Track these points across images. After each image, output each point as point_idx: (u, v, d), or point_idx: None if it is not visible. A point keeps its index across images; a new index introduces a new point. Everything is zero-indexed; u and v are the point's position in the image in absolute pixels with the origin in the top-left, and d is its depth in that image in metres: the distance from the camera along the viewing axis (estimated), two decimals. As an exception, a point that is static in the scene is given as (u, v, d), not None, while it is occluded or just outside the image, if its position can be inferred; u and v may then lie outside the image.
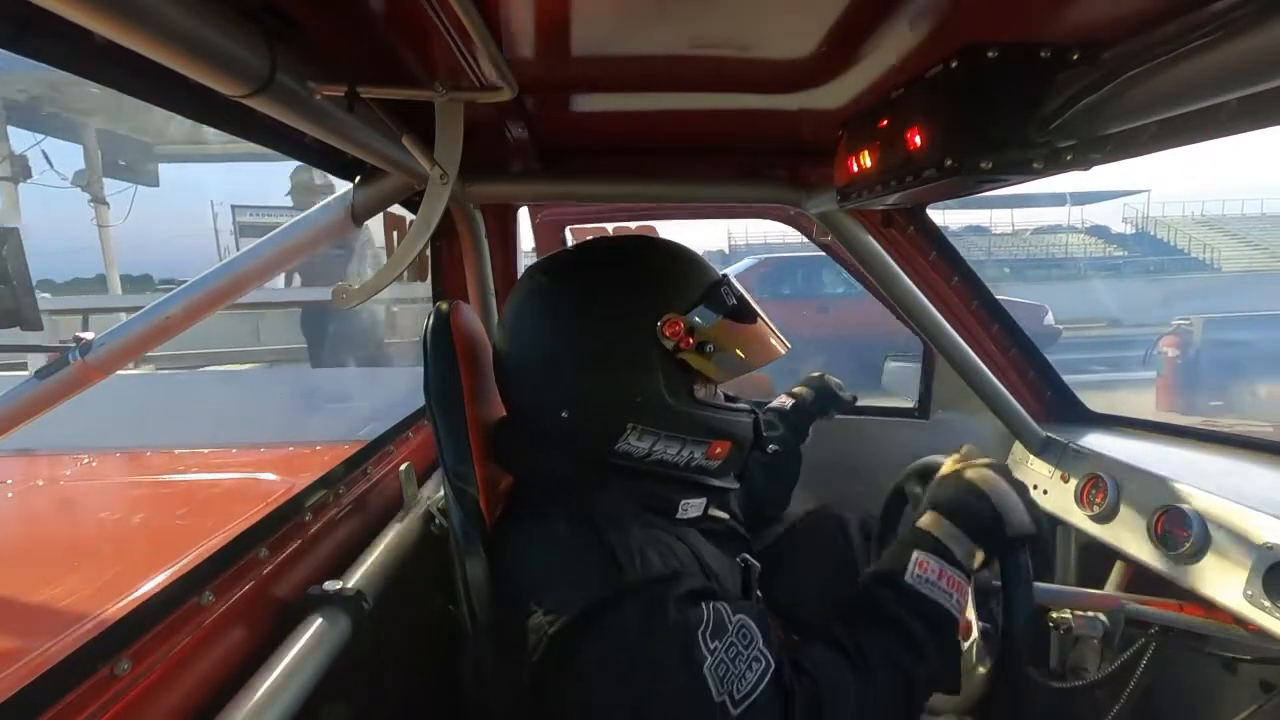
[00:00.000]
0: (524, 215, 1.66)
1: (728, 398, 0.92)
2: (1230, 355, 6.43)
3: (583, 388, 0.80)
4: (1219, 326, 6.65)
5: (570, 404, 0.81)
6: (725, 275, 0.87)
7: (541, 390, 0.83)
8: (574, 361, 0.80)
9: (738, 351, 0.83)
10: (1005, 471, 0.87)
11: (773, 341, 0.88)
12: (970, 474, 0.85)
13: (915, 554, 0.78)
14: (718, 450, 0.85)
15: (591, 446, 0.82)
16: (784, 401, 1.42)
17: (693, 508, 0.87)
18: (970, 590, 0.79)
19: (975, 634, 1.00)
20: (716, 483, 0.88)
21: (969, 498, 0.82)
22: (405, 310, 4.65)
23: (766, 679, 0.66)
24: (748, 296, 0.87)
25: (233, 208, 8.60)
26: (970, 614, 1.04)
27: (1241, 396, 6.27)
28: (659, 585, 0.69)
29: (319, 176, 4.20)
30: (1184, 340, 6.57)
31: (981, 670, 0.99)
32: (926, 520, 0.83)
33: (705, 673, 0.65)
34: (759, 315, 0.88)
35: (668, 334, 0.78)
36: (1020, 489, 0.85)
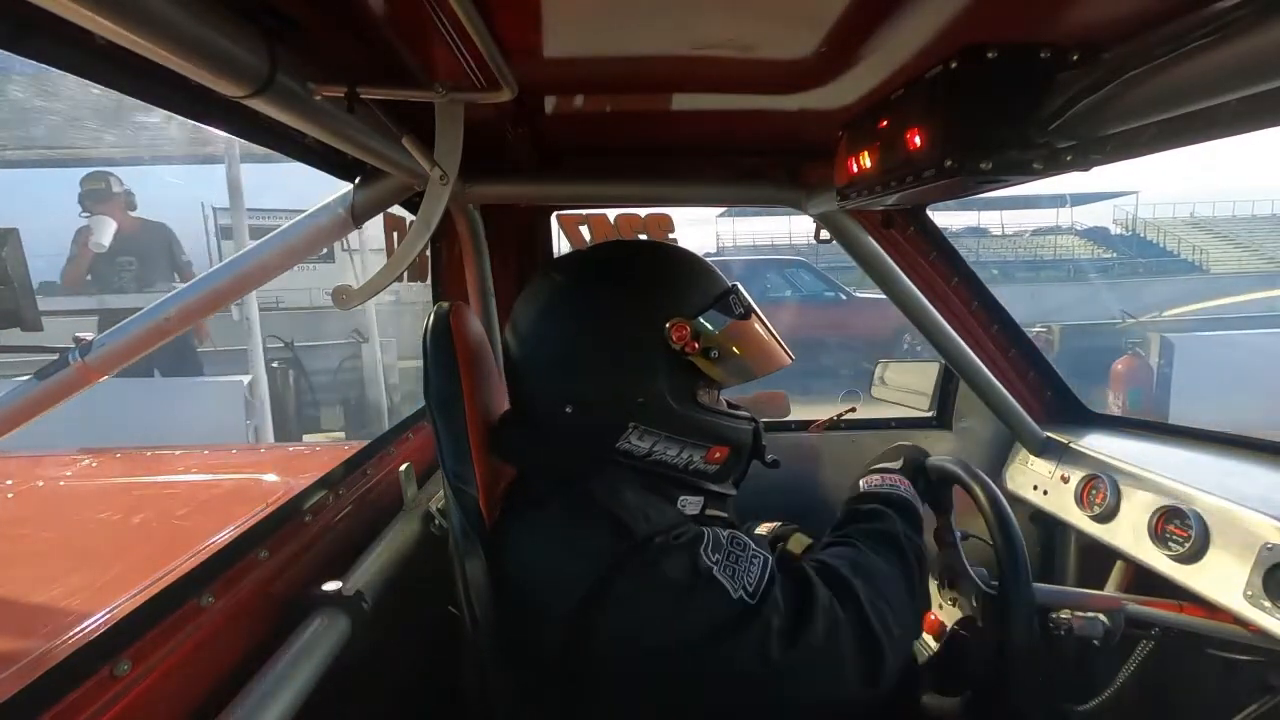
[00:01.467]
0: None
1: (731, 405, 0.92)
2: (1086, 362, 6.68)
3: (587, 385, 0.81)
4: (1076, 335, 6.95)
5: (574, 400, 0.81)
6: (735, 284, 0.88)
7: (546, 385, 0.84)
8: (580, 359, 0.81)
9: (742, 358, 0.84)
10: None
11: (778, 351, 0.89)
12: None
13: (861, 480, 1.00)
14: (717, 455, 0.85)
15: (592, 444, 0.82)
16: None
17: (690, 504, 0.87)
18: (910, 484, 0.99)
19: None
20: (714, 487, 0.88)
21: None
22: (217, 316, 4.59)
23: (770, 567, 0.74)
24: (755, 307, 0.88)
25: (213, 210, 8.62)
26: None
27: (1092, 400, 6.47)
28: (661, 535, 0.73)
29: (116, 184, 4.19)
30: (1042, 346, 6.80)
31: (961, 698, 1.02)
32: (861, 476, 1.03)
33: (717, 576, 0.70)
34: (765, 325, 0.89)
35: (674, 337, 0.79)
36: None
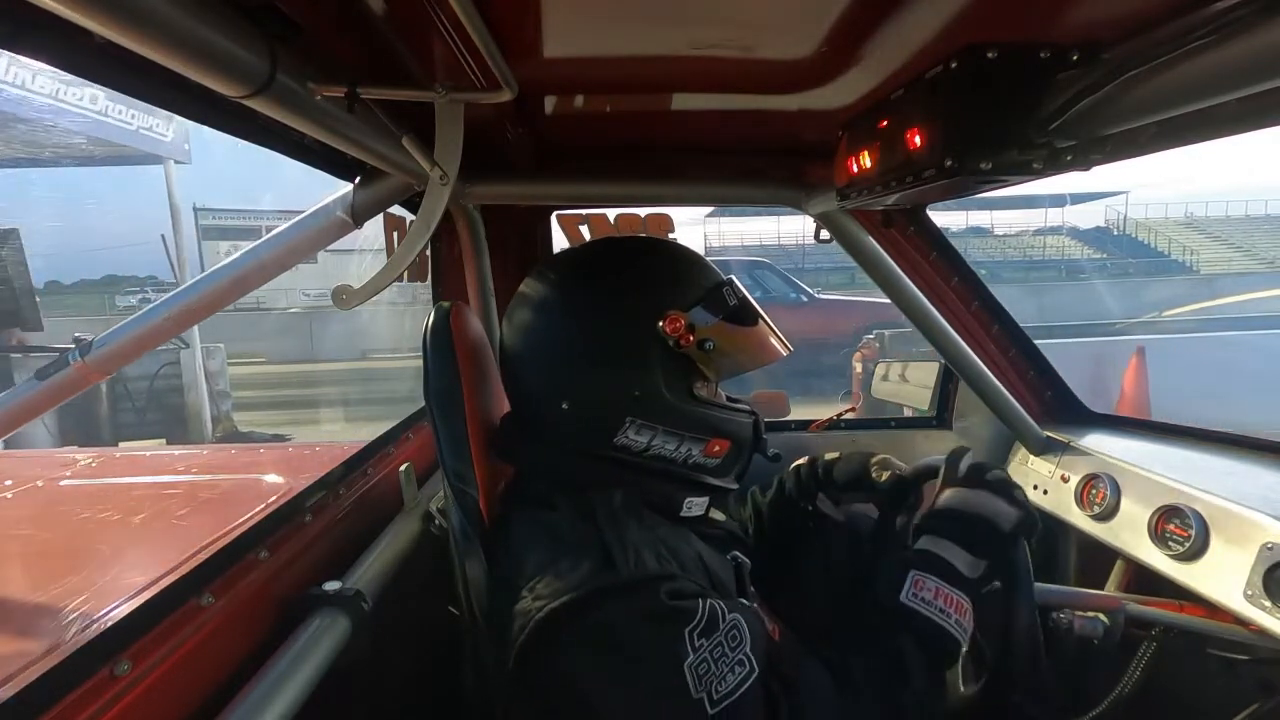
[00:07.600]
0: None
1: (730, 398, 0.92)
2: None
3: (583, 380, 0.81)
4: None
5: (570, 396, 0.81)
6: (729, 277, 0.87)
7: (543, 383, 0.84)
8: (575, 354, 0.81)
9: (738, 351, 0.84)
10: (978, 479, 0.89)
11: (773, 343, 0.88)
12: (944, 497, 0.90)
13: (911, 574, 0.80)
14: (716, 448, 0.85)
15: (590, 440, 0.82)
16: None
17: (696, 506, 0.87)
18: (971, 609, 0.79)
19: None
20: (715, 481, 0.88)
21: (954, 515, 0.87)
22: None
23: (749, 683, 0.65)
24: (750, 299, 0.88)
25: (195, 210, 8.61)
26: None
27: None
28: (651, 584, 0.69)
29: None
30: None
31: (965, 689, 0.99)
32: (922, 543, 0.86)
33: (685, 669, 0.64)
34: (761, 317, 0.88)
35: (668, 330, 0.79)
36: (999, 489, 0.88)
